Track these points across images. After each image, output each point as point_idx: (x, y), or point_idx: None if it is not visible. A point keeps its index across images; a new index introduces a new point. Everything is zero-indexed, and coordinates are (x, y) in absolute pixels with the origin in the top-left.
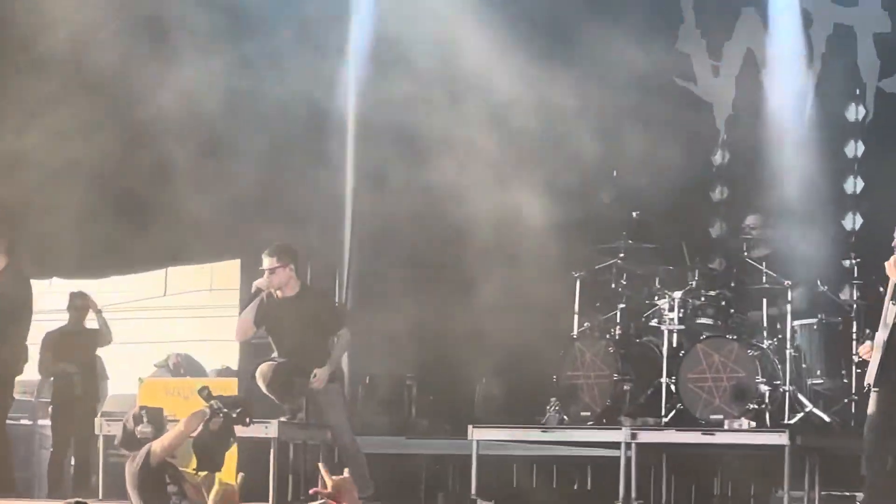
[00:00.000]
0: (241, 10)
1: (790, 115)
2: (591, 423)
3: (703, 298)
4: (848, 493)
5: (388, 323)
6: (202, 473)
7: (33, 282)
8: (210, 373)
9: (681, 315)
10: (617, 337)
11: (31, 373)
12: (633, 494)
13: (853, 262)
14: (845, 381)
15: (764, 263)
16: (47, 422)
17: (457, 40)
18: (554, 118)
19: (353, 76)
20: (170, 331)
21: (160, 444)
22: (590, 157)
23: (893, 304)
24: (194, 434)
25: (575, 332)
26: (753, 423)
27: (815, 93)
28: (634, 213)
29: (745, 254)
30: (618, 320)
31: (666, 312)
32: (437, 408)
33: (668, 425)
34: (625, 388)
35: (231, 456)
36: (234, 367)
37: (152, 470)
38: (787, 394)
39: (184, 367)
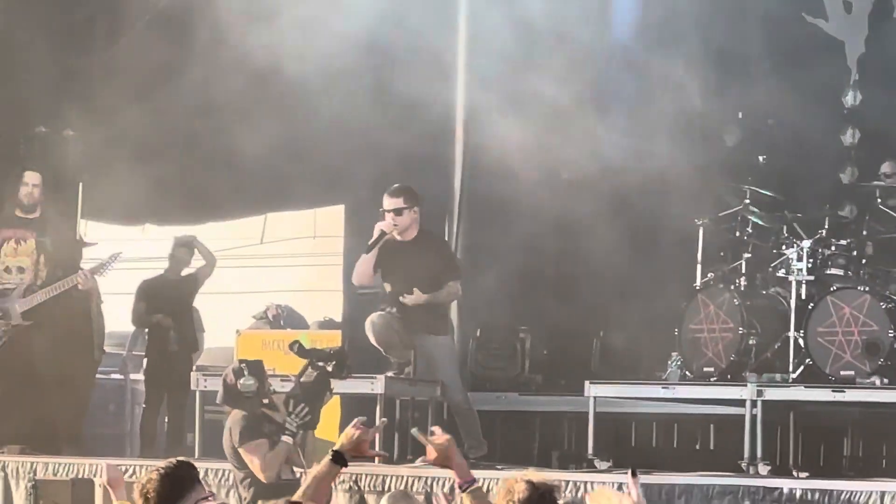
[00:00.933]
0: None
1: None
2: (714, 379)
3: (833, 248)
4: None
5: (501, 272)
6: None
7: (125, 228)
8: (312, 325)
9: (810, 265)
10: (742, 288)
11: (123, 324)
12: (759, 454)
13: None
14: None
15: None
16: (140, 376)
17: None
18: (676, 57)
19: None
20: (268, 280)
21: None
22: (713, 97)
23: None
24: None
25: (698, 282)
26: (886, 380)
27: None
28: (761, 158)
29: (879, 201)
30: (743, 270)
31: (794, 262)
32: (552, 362)
33: (795, 382)
34: (750, 342)
35: (334, 412)
36: (338, 318)
37: None
38: None
39: (283, 318)
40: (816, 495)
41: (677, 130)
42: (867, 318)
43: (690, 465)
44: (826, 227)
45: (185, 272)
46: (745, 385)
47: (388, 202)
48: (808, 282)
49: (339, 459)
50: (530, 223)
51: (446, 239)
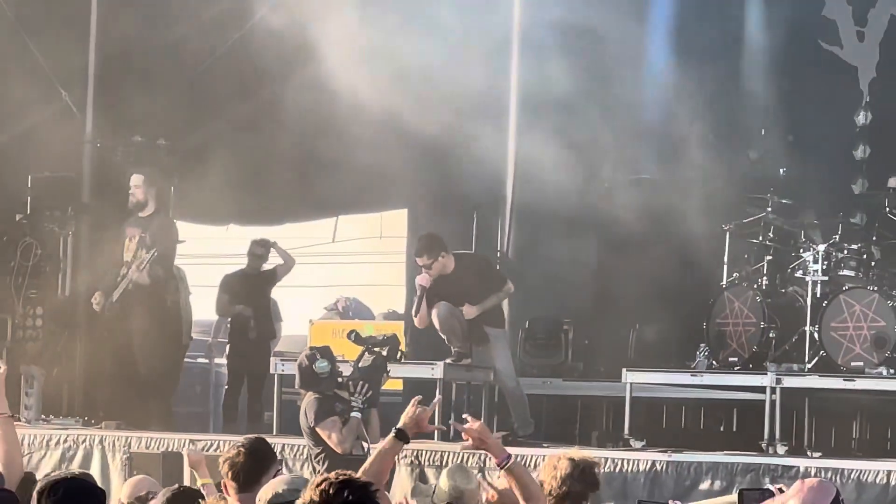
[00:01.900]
0: None
1: None
2: (738, 367)
3: (845, 251)
4: None
5: (547, 271)
6: None
7: (209, 227)
8: (377, 316)
9: (824, 267)
10: (764, 287)
11: (208, 313)
12: (777, 436)
13: None
14: None
15: None
16: (223, 360)
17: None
18: (708, 78)
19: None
20: (338, 276)
21: None
22: (739, 116)
23: None
24: None
25: (724, 281)
26: (892, 371)
27: None
28: (781, 170)
29: (887, 209)
30: (765, 271)
31: (810, 264)
32: (593, 351)
33: (811, 371)
34: (770, 335)
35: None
36: (400, 310)
37: None
38: None
39: (352, 309)
40: (829, 473)
41: (707, 145)
42: (875, 315)
43: (716, 445)
44: (839, 232)
45: (264, 268)
46: (766, 374)
47: (419, 260)
48: (822, 282)
49: (402, 436)
50: (574, 228)
51: (498, 243)
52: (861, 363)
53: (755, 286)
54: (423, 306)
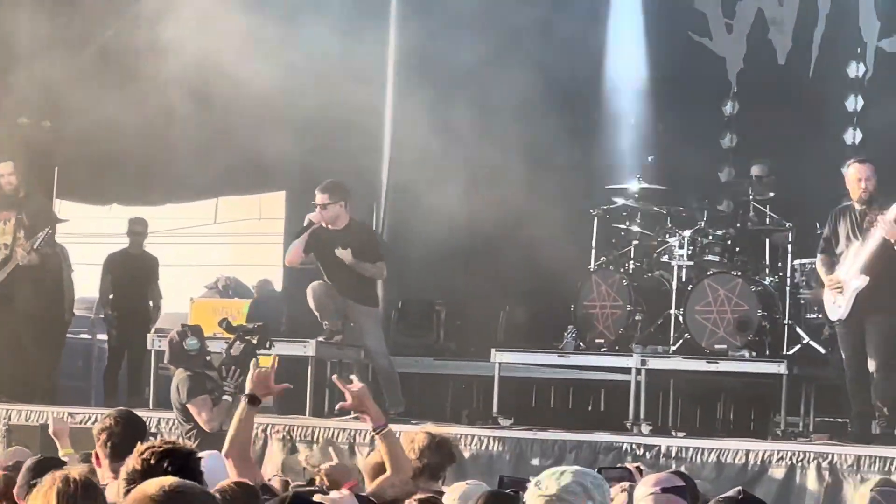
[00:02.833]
0: None
1: (795, 71)
2: (604, 349)
3: (710, 237)
4: (840, 420)
5: (421, 253)
6: None
7: (93, 207)
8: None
9: (689, 252)
10: (630, 271)
11: (90, 290)
12: (642, 416)
13: None
14: None
15: (768, 206)
16: (104, 336)
17: None
18: (579, 73)
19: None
20: (219, 256)
21: None
22: (610, 106)
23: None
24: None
25: (592, 265)
26: (754, 354)
27: (819, 51)
28: (649, 158)
29: (751, 197)
30: (631, 256)
31: (676, 249)
32: (465, 332)
33: (675, 353)
34: (636, 318)
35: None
36: (278, 289)
37: None
38: (786, 327)
39: (231, 288)
40: (690, 452)
41: (578, 134)
42: (739, 300)
43: (583, 424)
44: (704, 219)
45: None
46: (632, 355)
47: (318, 197)
48: (687, 266)
49: (254, 400)
50: (448, 210)
51: (374, 225)
52: (724, 346)
53: (622, 270)
54: (301, 244)
